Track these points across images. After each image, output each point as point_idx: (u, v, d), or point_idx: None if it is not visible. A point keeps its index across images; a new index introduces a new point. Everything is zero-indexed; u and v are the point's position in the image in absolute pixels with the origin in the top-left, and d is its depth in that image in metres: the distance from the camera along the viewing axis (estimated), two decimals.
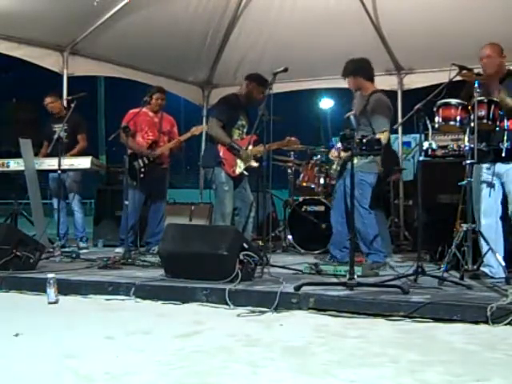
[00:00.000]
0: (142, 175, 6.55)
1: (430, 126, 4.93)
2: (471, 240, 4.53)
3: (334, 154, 5.75)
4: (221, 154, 6.05)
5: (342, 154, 5.43)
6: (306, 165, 7.18)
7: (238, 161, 6.08)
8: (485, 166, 4.71)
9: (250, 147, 6.08)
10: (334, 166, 5.69)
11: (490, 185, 4.70)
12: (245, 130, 6.20)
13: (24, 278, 4.93)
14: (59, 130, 6.62)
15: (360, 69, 5.48)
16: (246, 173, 6.16)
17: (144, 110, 6.67)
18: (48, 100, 7.24)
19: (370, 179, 5.32)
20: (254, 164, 6.14)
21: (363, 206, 5.25)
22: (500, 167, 4.64)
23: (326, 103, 23.29)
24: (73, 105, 6.53)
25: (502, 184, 4.69)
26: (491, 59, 4.68)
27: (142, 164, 6.59)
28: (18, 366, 2.80)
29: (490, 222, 4.70)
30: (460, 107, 4.57)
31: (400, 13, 7.38)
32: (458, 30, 7.07)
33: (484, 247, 4.54)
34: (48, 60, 7.43)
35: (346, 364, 2.79)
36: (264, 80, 5.89)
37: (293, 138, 6.46)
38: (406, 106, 6.55)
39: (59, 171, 6.29)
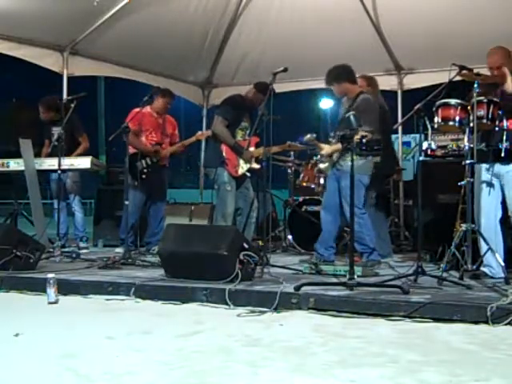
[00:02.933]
0: (143, 176, 6.56)
1: (429, 126, 4.94)
2: (470, 240, 4.53)
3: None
4: (224, 153, 6.05)
5: (332, 151, 5.46)
6: (306, 165, 7.17)
7: (241, 161, 6.10)
8: (484, 166, 4.72)
9: (252, 149, 6.10)
10: (323, 166, 5.68)
11: (490, 184, 4.70)
12: (247, 132, 6.21)
13: (24, 278, 4.92)
14: (57, 132, 6.62)
15: (343, 74, 5.49)
16: (248, 174, 6.18)
17: (148, 110, 6.68)
18: (40, 110, 7.25)
19: (365, 180, 5.35)
20: (256, 166, 6.16)
21: (358, 206, 5.26)
22: (499, 168, 4.64)
23: (326, 103, 23.30)
24: (72, 105, 6.52)
25: (502, 186, 4.69)
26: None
27: (144, 165, 6.60)
28: (17, 366, 2.80)
29: (489, 223, 4.69)
30: (459, 107, 4.58)
31: (400, 13, 7.38)
32: (457, 30, 7.07)
33: (483, 247, 4.55)
34: (48, 60, 7.43)
35: (346, 364, 2.79)
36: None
37: (293, 143, 6.44)
38: (406, 106, 6.55)
39: (59, 171, 6.29)
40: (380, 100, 6.27)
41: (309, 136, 5.66)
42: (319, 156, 5.72)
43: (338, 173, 5.44)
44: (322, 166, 5.74)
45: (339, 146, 5.31)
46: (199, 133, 6.82)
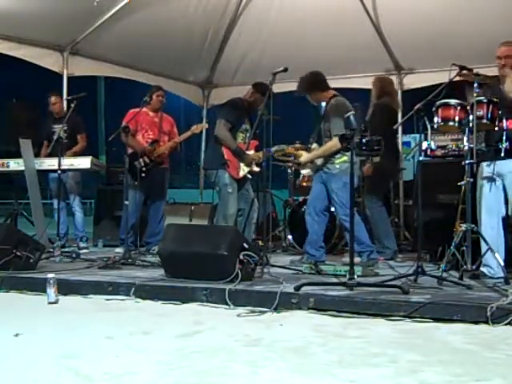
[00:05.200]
0: (143, 174, 6.55)
1: (429, 126, 4.95)
2: (470, 240, 4.53)
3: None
4: (225, 155, 6.05)
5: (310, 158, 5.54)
6: None
7: (242, 164, 6.12)
8: (485, 163, 4.72)
9: (252, 152, 6.12)
10: (305, 172, 5.77)
11: (491, 181, 4.68)
12: (248, 134, 6.21)
13: (24, 278, 4.92)
14: (59, 130, 6.64)
15: (313, 83, 5.54)
16: (249, 176, 6.21)
17: (144, 109, 6.68)
18: (53, 100, 7.25)
19: (354, 182, 5.38)
20: (256, 169, 6.18)
21: (348, 207, 5.29)
22: (501, 167, 4.63)
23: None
24: (73, 105, 6.54)
25: (504, 186, 4.68)
26: None
27: (143, 163, 6.59)
28: (18, 366, 2.80)
29: (491, 221, 4.68)
30: (459, 107, 4.58)
31: (400, 13, 7.38)
32: (457, 30, 7.07)
33: (484, 246, 4.54)
34: (48, 60, 7.44)
35: (346, 364, 2.79)
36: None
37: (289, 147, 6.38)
38: (406, 106, 6.56)
39: (59, 171, 6.29)
40: (395, 99, 6.38)
41: (276, 148, 5.73)
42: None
43: (325, 176, 5.50)
44: (304, 172, 5.81)
45: (319, 152, 5.50)
46: (194, 126, 6.80)
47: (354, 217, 5.29)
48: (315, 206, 5.54)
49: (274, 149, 5.71)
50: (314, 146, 5.68)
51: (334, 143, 5.26)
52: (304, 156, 5.65)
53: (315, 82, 5.56)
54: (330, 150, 5.38)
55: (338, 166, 5.39)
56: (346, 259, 5.57)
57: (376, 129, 5.64)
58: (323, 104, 5.58)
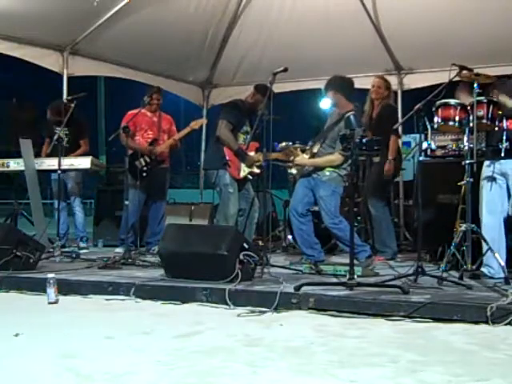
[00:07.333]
0: (144, 174, 6.55)
1: (429, 126, 4.96)
2: (470, 240, 4.53)
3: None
4: (226, 156, 6.05)
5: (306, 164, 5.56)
6: None
7: (242, 164, 6.12)
8: (485, 163, 4.71)
9: (252, 153, 6.13)
10: (295, 171, 5.81)
11: (492, 180, 4.68)
12: (248, 136, 6.21)
13: (24, 278, 4.93)
14: (60, 131, 6.64)
15: (343, 86, 5.50)
16: (250, 176, 6.22)
17: (142, 110, 6.68)
18: (48, 113, 7.21)
19: (340, 190, 5.50)
20: (256, 170, 6.19)
21: (337, 215, 5.37)
22: (505, 166, 4.62)
23: (326, 103, 23.27)
24: (73, 105, 6.54)
25: (508, 185, 4.66)
26: None
27: (143, 163, 6.59)
28: (17, 366, 2.80)
29: (493, 221, 4.67)
30: (459, 107, 4.59)
31: (400, 13, 7.38)
32: (458, 30, 7.08)
33: (485, 247, 4.54)
34: (48, 60, 7.43)
35: (346, 364, 2.79)
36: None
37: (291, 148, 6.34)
38: (406, 106, 6.56)
39: (59, 171, 6.29)
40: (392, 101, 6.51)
41: (284, 144, 5.75)
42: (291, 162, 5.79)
43: (313, 182, 5.49)
44: (293, 171, 5.82)
45: (317, 161, 5.48)
46: (193, 122, 6.79)
47: (343, 222, 5.34)
48: (297, 208, 5.53)
49: (281, 145, 5.74)
50: (316, 149, 5.65)
51: (336, 158, 5.34)
52: (300, 157, 5.63)
53: (347, 85, 5.53)
54: (329, 164, 5.39)
55: (327, 174, 5.40)
56: (340, 260, 5.66)
57: (386, 129, 5.69)
58: (334, 110, 5.57)
